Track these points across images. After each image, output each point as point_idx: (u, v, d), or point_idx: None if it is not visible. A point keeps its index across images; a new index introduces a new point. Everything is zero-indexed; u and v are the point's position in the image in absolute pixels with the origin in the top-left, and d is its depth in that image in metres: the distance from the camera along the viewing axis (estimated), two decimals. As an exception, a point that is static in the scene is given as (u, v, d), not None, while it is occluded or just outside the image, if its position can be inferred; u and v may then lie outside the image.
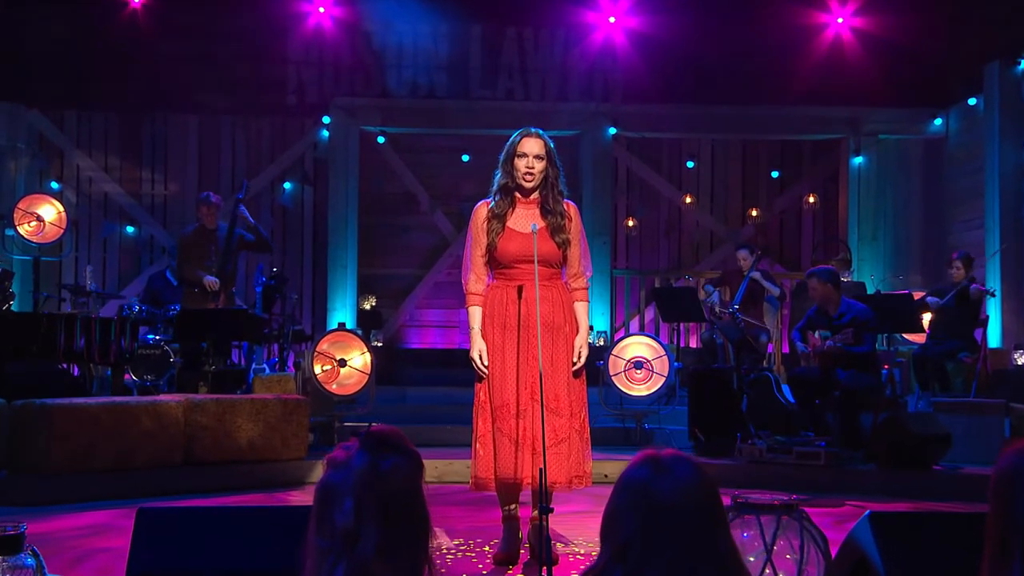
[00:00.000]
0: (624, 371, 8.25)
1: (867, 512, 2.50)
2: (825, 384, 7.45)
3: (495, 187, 4.44)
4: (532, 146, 4.37)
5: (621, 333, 10.57)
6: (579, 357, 4.35)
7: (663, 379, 8.19)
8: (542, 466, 3.74)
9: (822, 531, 2.32)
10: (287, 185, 11.52)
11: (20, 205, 9.13)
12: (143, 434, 6.46)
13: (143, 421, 6.49)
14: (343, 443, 1.75)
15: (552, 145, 4.46)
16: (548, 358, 4.26)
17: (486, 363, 4.32)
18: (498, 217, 4.37)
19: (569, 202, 4.49)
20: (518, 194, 4.41)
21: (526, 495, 4.44)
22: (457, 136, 11.25)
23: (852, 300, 7.68)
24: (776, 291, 9.48)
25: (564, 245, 4.36)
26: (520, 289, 4.29)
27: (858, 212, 11.36)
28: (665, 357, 8.21)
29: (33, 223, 9.10)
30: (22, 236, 9.08)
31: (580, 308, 4.43)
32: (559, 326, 4.33)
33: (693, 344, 10.83)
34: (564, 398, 4.28)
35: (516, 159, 4.36)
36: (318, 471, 7.15)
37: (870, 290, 9.61)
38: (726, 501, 2.46)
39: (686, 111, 11.31)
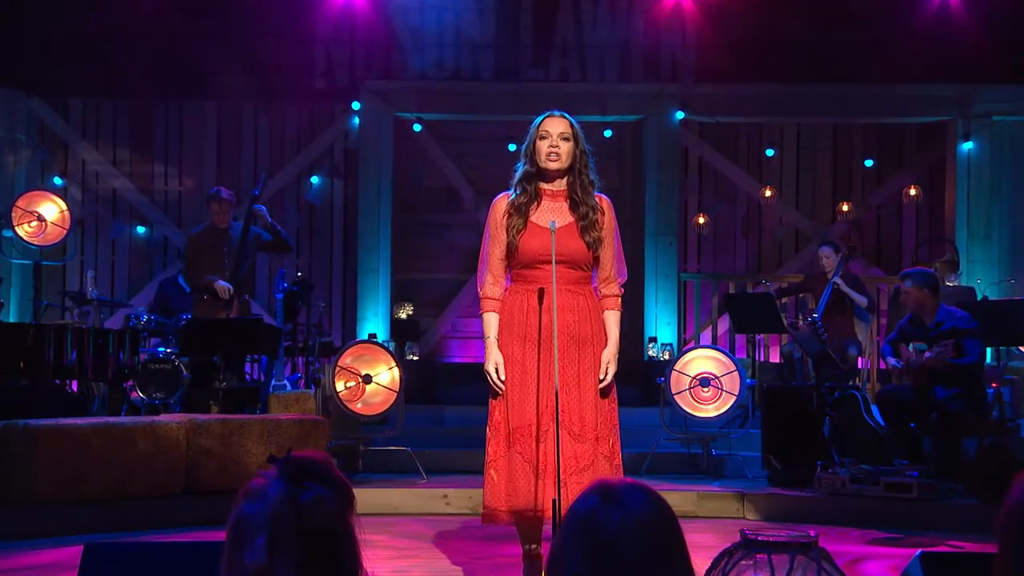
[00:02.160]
0: (689, 389, 8.16)
1: (918, 552, 2.42)
2: (920, 405, 7.30)
3: (516, 178, 4.42)
4: (556, 125, 4.37)
5: (692, 346, 10.46)
6: (606, 373, 4.31)
7: (733, 398, 8.09)
8: (556, 496, 3.69)
9: (844, 573, 2.24)
10: (315, 179, 11.61)
11: (19, 203, 9.25)
12: (139, 459, 6.53)
13: (139, 444, 6.55)
14: (263, 471, 1.71)
15: (579, 127, 4.42)
16: (573, 376, 4.22)
17: (503, 377, 4.30)
18: (519, 211, 4.36)
19: (601, 195, 4.45)
20: (543, 184, 4.39)
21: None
22: (504, 123, 11.22)
23: (952, 308, 7.51)
24: (863, 301, 9.28)
25: (595, 245, 4.32)
26: (541, 293, 4.26)
27: (967, 206, 11.16)
28: (736, 373, 8.10)
29: (33, 223, 9.22)
30: (21, 237, 9.21)
31: (610, 318, 4.40)
32: (586, 339, 4.29)
33: (775, 359, 10.68)
34: (590, 421, 4.25)
35: (538, 141, 4.36)
36: (338, 501, 7.18)
37: (980, 296, 9.41)
38: (735, 536, 2.39)
39: (767, 91, 11.21)
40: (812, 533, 2.22)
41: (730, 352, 10.08)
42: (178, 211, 11.76)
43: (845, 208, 11.59)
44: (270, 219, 8.88)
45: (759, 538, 2.12)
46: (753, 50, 11.00)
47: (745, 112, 11.44)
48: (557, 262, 4.22)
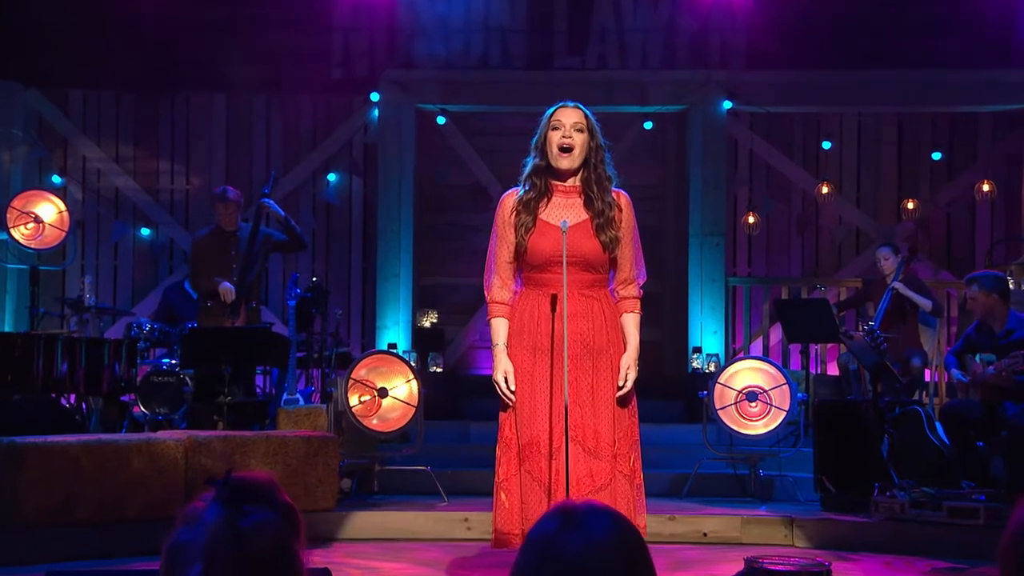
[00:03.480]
0: (734, 404, 8.10)
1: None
2: (989, 422, 7.24)
3: (525, 172, 4.43)
4: (570, 115, 4.40)
5: (739, 357, 10.39)
6: (625, 380, 4.29)
7: (783, 414, 8.02)
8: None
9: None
10: (331, 176, 11.65)
11: (15, 203, 9.36)
12: (134, 479, 6.55)
13: (134, 464, 6.57)
14: (202, 493, 1.70)
15: (594, 119, 4.41)
16: (587, 387, 4.22)
17: (513, 387, 4.30)
18: (528, 208, 4.36)
19: (619, 191, 4.44)
20: (554, 179, 4.37)
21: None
22: (536, 115, 11.09)
23: (1024, 315, 7.42)
24: (927, 304, 9.19)
25: (611, 244, 4.32)
26: (554, 299, 4.26)
27: (1047, 202, 11.04)
28: (786, 386, 8.03)
29: (30, 225, 9.33)
30: (17, 241, 9.31)
31: (629, 321, 4.39)
32: (602, 348, 4.29)
33: (833, 371, 10.60)
34: (606, 436, 4.24)
35: (550, 132, 4.39)
36: (351, 525, 7.19)
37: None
38: (739, 564, 2.35)
39: (824, 77, 11.13)
40: (826, 562, 2.18)
41: (782, 364, 10.05)
42: (185, 212, 11.83)
43: (911, 206, 11.47)
44: (282, 212, 8.90)
45: (765, 566, 2.09)
46: (809, 32, 10.95)
47: (800, 101, 11.36)
48: (569, 263, 4.22)
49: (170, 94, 11.71)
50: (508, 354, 4.35)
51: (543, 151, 4.37)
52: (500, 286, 4.42)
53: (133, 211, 11.77)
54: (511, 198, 4.44)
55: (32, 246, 9.39)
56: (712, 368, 9.99)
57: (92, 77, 11.48)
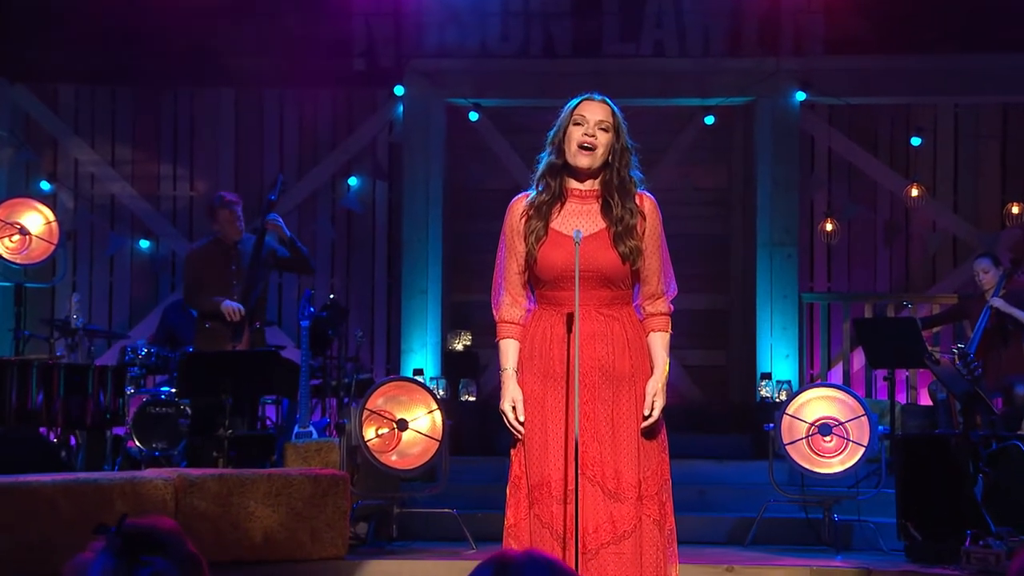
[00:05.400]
0: (806, 438, 8.02)
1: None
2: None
3: (538, 171, 4.40)
4: (596, 111, 4.34)
5: (812, 385, 10.31)
6: (652, 409, 4.25)
7: (861, 449, 7.93)
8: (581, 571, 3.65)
9: None
10: (352, 180, 11.67)
11: (-2, 213, 9.45)
12: (117, 523, 6.55)
13: (117, 506, 6.60)
14: (94, 542, 1.66)
15: (622, 116, 4.40)
16: (606, 420, 4.18)
17: (522, 418, 4.28)
18: (540, 212, 4.33)
19: (644, 193, 4.40)
20: (570, 179, 4.35)
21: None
22: (584, 108, 11.20)
23: None
24: (1031, 321, 9.07)
25: (632, 255, 4.27)
26: (570, 319, 4.23)
27: None
28: (864, 418, 7.95)
29: (15, 237, 9.41)
30: (1, 255, 9.38)
31: (657, 342, 4.35)
32: (623, 375, 4.25)
33: (925, 401, 10.47)
34: (628, 477, 4.19)
35: (571, 127, 4.33)
36: (364, 575, 7.18)
37: None
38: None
39: (915, 64, 11.05)
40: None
41: (866, 393, 9.92)
42: (189, 221, 11.89)
43: (1015, 210, 11.35)
44: (288, 232, 8.92)
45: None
46: (897, 11, 10.87)
47: (886, 91, 11.27)
48: (586, 278, 4.20)
49: (172, 89, 11.77)
50: (517, 380, 4.32)
51: (560, 148, 4.32)
52: (510, 303, 4.40)
53: (131, 221, 11.83)
54: (520, 203, 4.41)
55: (17, 261, 9.45)
56: (783, 397, 9.89)
57: (85, 70, 11.55)
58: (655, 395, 4.25)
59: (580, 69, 10.98)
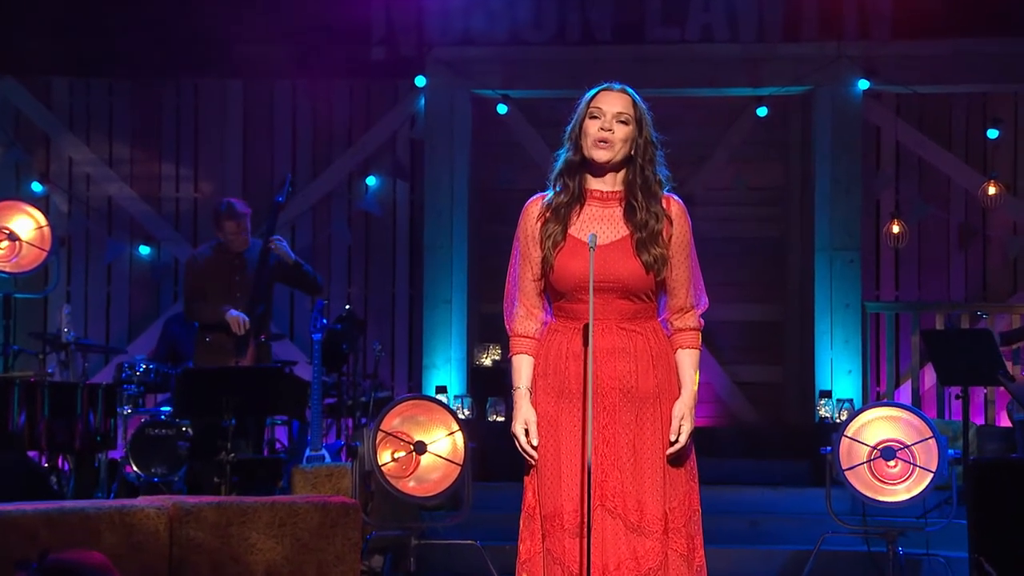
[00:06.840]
0: (868, 463, 7.94)
1: None
2: None
3: (555, 170, 4.38)
4: (613, 102, 4.32)
5: (878, 404, 10.25)
6: (678, 434, 4.22)
7: (930, 475, 7.83)
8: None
9: None
10: (371, 180, 11.67)
11: (-15, 217, 9.48)
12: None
13: (105, 538, 6.53)
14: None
15: (646, 107, 4.36)
16: (627, 445, 4.17)
17: (535, 442, 4.28)
18: (557, 215, 4.31)
19: (671, 196, 4.37)
20: (590, 177, 4.34)
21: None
22: (625, 100, 11.16)
23: None
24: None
25: (657, 264, 4.24)
26: (586, 332, 4.19)
27: None
28: (932, 440, 7.85)
29: (4, 243, 9.44)
30: (-13, 263, 9.43)
31: (686, 360, 4.32)
32: (647, 395, 4.22)
33: (1003, 422, 10.38)
34: (654, 508, 4.17)
35: (587, 121, 4.32)
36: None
37: None
38: None
39: (991, 48, 11.03)
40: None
41: (939, 413, 9.80)
42: (193, 225, 11.93)
43: (1106, 211, 11.30)
44: (293, 256, 8.95)
45: None
46: (970, -7, 10.87)
47: (961, 78, 11.27)
48: (605, 289, 4.19)
49: (174, 80, 11.81)
50: (531, 400, 4.31)
51: (577, 143, 4.30)
52: (524, 316, 4.39)
53: (129, 225, 11.88)
54: (536, 205, 4.38)
55: (6, 270, 9.50)
56: (844, 417, 9.82)
57: (81, 61, 11.61)
58: (683, 418, 4.23)
59: (620, 56, 11.03)
